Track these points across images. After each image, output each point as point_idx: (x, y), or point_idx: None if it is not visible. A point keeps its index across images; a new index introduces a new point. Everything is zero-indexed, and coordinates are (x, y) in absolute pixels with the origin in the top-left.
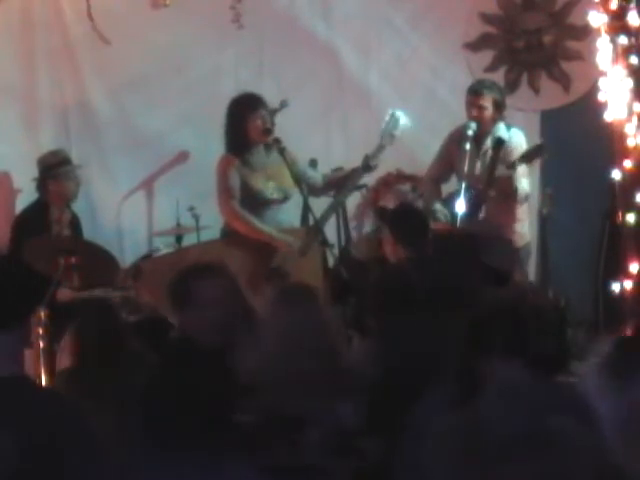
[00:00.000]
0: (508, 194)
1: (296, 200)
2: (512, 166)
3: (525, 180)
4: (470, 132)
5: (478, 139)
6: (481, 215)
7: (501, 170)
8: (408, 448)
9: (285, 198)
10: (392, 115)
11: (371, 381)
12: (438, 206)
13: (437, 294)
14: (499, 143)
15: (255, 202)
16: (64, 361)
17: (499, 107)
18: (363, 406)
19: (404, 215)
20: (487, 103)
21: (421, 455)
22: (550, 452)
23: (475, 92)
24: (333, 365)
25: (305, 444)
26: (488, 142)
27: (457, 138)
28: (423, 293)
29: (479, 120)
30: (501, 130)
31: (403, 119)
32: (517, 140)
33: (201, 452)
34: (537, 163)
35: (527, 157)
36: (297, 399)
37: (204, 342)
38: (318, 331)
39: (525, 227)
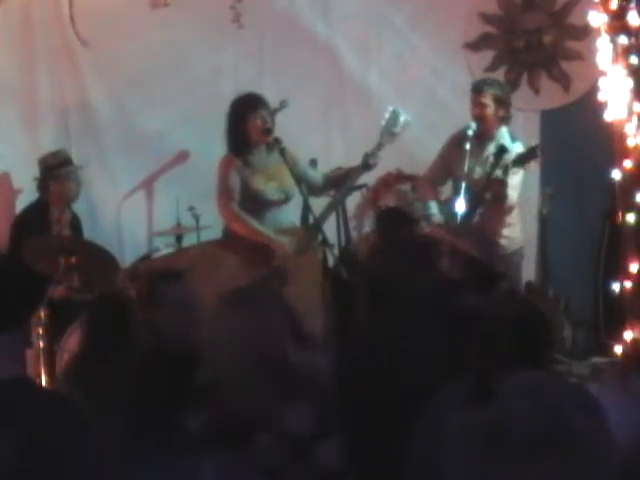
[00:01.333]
0: (499, 197)
1: (297, 200)
2: (505, 170)
3: (514, 191)
4: (470, 132)
5: (481, 143)
6: (476, 218)
7: (497, 173)
8: (421, 448)
9: (286, 199)
10: (392, 112)
11: (337, 383)
12: (434, 211)
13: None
14: (502, 151)
15: (256, 203)
16: (65, 360)
17: (502, 104)
18: (318, 409)
19: (387, 217)
20: (488, 100)
21: (437, 455)
22: (570, 452)
23: (476, 90)
24: (282, 368)
25: (255, 448)
26: (491, 148)
27: (458, 140)
28: (401, 294)
29: (481, 118)
30: (506, 138)
31: (403, 116)
32: (519, 152)
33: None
34: (536, 165)
35: (520, 160)
36: (246, 404)
37: (173, 344)
38: (263, 334)
39: (516, 232)
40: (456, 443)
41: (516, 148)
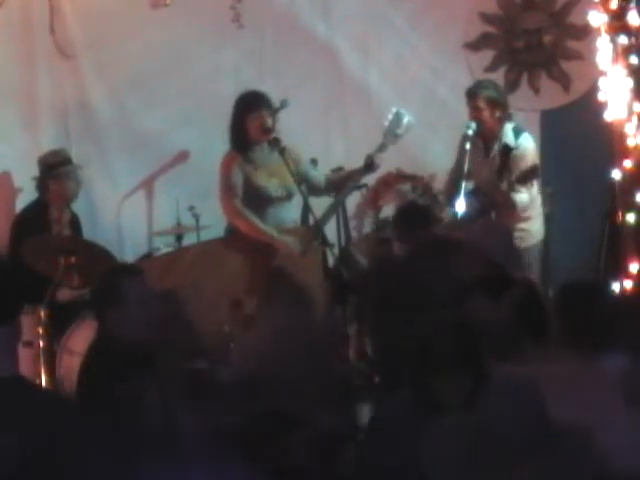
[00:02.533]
0: (505, 206)
1: (298, 198)
2: (511, 186)
3: (525, 194)
4: (470, 132)
5: (486, 143)
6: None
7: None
8: (393, 448)
9: (288, 195)
10: (395, 114)
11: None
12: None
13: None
14: (506, 150)
15: (259, 199)
16: (65, 360)
17: (496, 106)
18: (352, 407)
19: (404, 213)
20: (481, 103)
21: (420, 455)
22: (556, 452)
23: (469, 94)
24: (321, 366)
25: (291, 445)
26: (496, 148)
27: (462, 139)
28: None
29: (478, 121)
30: (509, 136)
31: (406, 118)
32: (526, 146)
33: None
34: (537, 184)
35: (522, 179)
36: (285, 400)
37: (132, 340)
38: (307, 333)
39: (535, 225)
40: (443, 444)
41: (523, 141)
